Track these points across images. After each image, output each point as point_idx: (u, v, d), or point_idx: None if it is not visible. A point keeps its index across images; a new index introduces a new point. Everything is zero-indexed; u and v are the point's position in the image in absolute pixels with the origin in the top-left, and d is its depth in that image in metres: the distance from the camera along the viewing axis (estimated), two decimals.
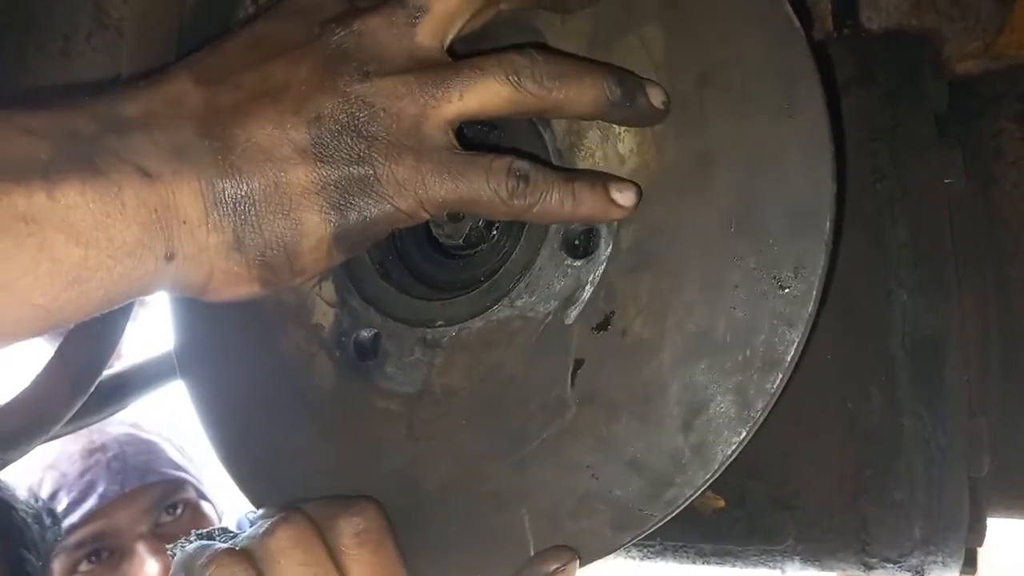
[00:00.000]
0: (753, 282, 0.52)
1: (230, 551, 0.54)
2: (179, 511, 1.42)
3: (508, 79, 0.50)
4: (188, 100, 0.48)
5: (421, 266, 0.66)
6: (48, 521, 1.26)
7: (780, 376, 0.52)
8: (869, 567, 0.75)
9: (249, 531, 0.56)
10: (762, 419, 0.53)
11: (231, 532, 0.59)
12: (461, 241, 0.60)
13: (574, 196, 0.52)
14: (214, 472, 1.49)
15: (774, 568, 0.79)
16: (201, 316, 0.73)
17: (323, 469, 0.65)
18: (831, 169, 0.51)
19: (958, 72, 0.99)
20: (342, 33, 0.50)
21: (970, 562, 0.75)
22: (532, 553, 0.56)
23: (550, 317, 0.58)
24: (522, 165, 0.51)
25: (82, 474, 1.37)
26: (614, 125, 0.56)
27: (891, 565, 0.74)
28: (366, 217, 0.49)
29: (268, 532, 0.54)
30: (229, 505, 1.57)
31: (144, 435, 1.49)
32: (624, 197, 0.53)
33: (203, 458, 1.52)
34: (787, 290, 0.51)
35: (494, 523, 0.58)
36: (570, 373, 0.57)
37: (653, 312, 0.55)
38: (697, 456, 0.53)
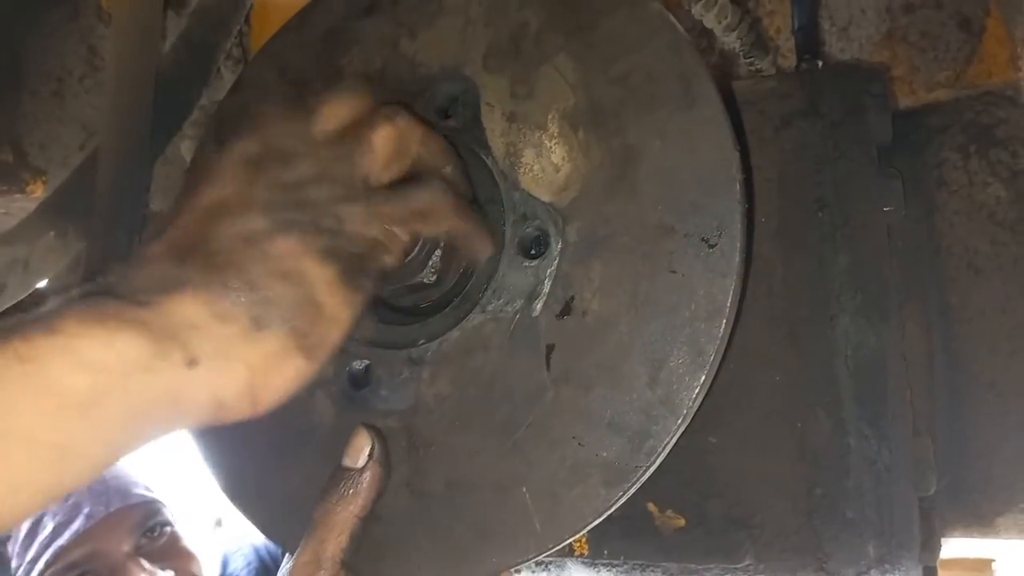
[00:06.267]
0: (685, 247, 0.59)
1: None
2: (156, 533, 1.43)
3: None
4: (158, 247, 0.50)
5: (397, 300, 0.71)
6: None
7: (723, 321, 0.58)
8: None
9: None
10: (717, 363, 0.59)
11: None
12: (430, 305, 0.67)
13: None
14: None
15: None
16: None
17: None
18: (732, 141, 0.59)
19: (925, 102, 1.02)
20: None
21: None
22: (538, 528, 0.60)
23: (518, 314, 0.64)
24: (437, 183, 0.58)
25: (67, 498, 1.39)
26: (545, 141, 0.65)
27: None
28: (352, 252, 0.52)
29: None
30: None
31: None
32: None
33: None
34: (715, 247, 0.58)
35: (499, 509, 0.62)
36: (544, 359, 0.62)
37: (606, 291, 0.61)
38: (666, 405, 0.58)
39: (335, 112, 0.56)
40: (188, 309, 0.46)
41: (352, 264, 0.51)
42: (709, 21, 0.92)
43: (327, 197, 0.52)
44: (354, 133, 0.55)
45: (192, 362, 0.45)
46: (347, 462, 0.63)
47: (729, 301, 0.57)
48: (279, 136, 0.54)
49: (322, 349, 0.51)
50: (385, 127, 0.56)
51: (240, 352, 0.47)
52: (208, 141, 0.81)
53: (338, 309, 0.51)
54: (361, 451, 0.63)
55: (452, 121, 0.68)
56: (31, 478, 0.42)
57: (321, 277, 0.50)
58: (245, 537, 1.76)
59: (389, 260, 0.55)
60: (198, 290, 0.46)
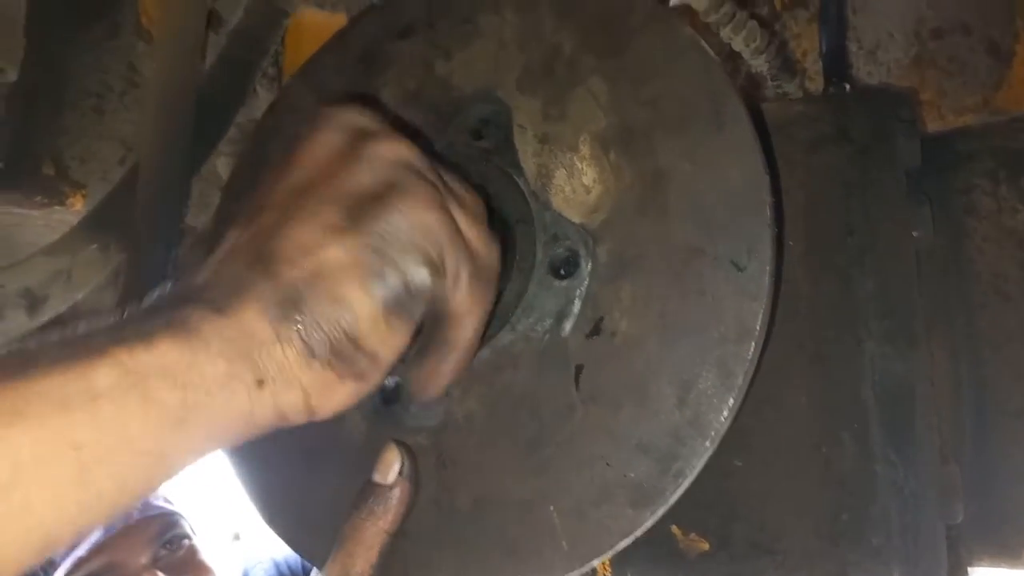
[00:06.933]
0: (715, 269, 0.59)
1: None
2: (174, 545, 1.44)
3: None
4: (238, 243, 0.52)
5: None
6: None
7: (753, 344, 0.58)
8: None
9: None
10: (746, 386, 0.59)
11: None
12: None
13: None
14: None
15: None
16: None
17: None
18: (762, 164, 0.60)
19: (953, 127, 1.02)
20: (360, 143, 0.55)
21: None
22: (565, 547, 0.60)
23: (548, 334, 0.64)
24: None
25: None
26: (577, 162, 0.65)
27: None
28: (406, 273, 0.52)
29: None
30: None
31: None
32: None
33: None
34: (745, 270, 0.59)
35: (526, 526, 0.62)
36: (573, 378, 0.63)
37: (636, 312, 0.62)
38: (694, 427, 0.58)
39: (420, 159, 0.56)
40: (256, 323, 0.48)
41: (395, 286, 0.51)
42: (737, 44, 0.93)
43: (401, 206, 0.52)
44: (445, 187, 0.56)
45: (260, 382, 0.48)
46: (377, 478, 0.64)
47: (759, 324, 0.58)
48: (368, 139, 0.54)
49: (373, 373, 0.52)
50: (476, 205, 0.58)
51: (297, 376, 0.49)
52: (246, 160, 0.83)
53: (379, 345, 0.52)
54: (391, 467, 0.63)
55: (484, 142, 0.69)
56: (132, 481, 0.46)
57: (363, 307, 0.50)
58: (266, 550, 1.77)
59: (436, 280, 0.54)
60: (263, 303, 0.48)
